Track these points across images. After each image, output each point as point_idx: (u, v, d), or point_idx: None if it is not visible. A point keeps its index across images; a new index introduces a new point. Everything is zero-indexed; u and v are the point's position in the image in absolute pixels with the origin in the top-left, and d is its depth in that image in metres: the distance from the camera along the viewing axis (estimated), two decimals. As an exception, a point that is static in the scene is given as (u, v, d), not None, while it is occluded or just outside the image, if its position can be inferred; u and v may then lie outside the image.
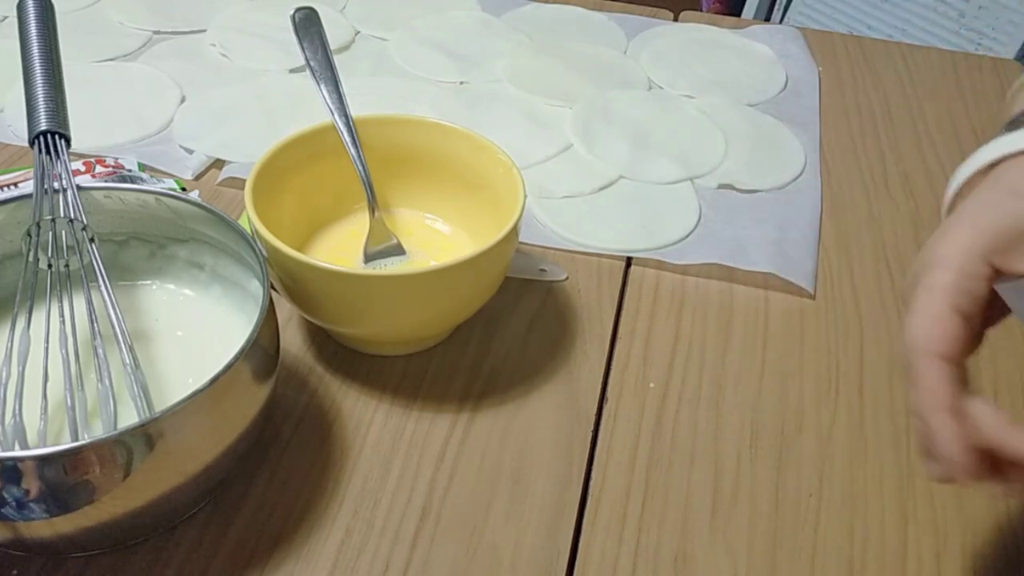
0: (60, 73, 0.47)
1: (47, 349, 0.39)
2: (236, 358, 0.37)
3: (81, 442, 0.33)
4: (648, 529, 0.45)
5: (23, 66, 0.47)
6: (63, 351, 0.39)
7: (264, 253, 0.43)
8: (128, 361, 0.39)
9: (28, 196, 0.43)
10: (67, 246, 0.43)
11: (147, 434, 0.34)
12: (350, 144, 0.53)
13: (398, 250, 0.54)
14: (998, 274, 0.35)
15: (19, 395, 0.37)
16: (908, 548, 0.45)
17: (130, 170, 0.62)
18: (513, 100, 0.77)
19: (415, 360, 0.52)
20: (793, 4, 1.80)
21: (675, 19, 0.95)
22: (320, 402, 0.49)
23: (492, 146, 0.53)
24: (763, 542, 0.44)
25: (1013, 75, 0.88)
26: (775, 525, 0.45)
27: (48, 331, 0.40)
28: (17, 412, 0.37)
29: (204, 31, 0.83)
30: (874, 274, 0.62)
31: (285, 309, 0.54)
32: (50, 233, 0.43)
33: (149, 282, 0.49)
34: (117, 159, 0.63)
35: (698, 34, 0.91)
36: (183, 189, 0.61)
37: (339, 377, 0.51)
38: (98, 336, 0.40)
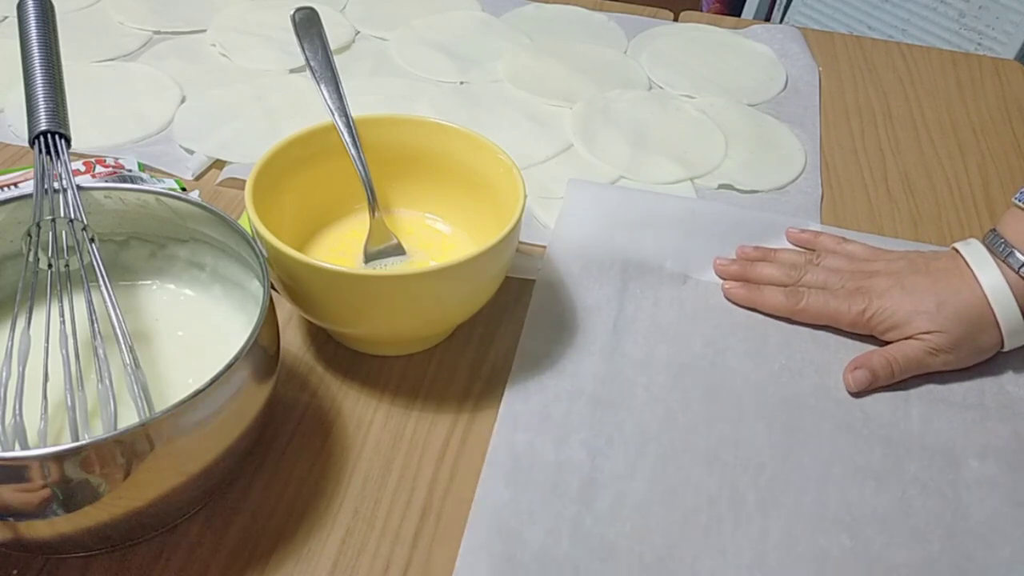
0: (60, 73, 0.47)
1: (47, 349, 0.39)
2: (236, 358, 0.37)
3: (81, 442, 0.33)
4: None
5: (23, 66, 0.47)
6: (63, 351, 0.39)
7: (264, 253, 0.43)
8: (128, 361, 0.39)
9: (28, 196, 0.43)
10: (67, 246, 0.43)
11: (147, 434, 0.34)
12: (350, 144, 0.53)
13: (398, 250, 0.54)
14: None
15: (19, 395, 0.37)
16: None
17: (130, 170, 0.62)
18: (513, 100, 0.77)
19: (415, 360, 0.52)
20: (793, 4, 1.80)
21: (675, 19, 0.95)
22: (320, 402, 0.49)
23: (492, 146, 0.53)
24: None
25: (1013, 75, 0.88)
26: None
27: (48, 331, 0.40)
28: (17, 412, 0.37)
29: (204, 31, 0.83)
30: (874, 274, 0.62)
31: (285, 309, 0.54)
32: (50, 233, 0.43)
33: (149, 282, 0.49)
34: (117, 159, 0.63)
35: (698, 34, 0.91)
36: (183, 189, 0.61)
37: (339, 377, 0.51)
38: (98, 336, 0.40)
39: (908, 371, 0.52)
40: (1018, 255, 0.51)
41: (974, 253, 0.53)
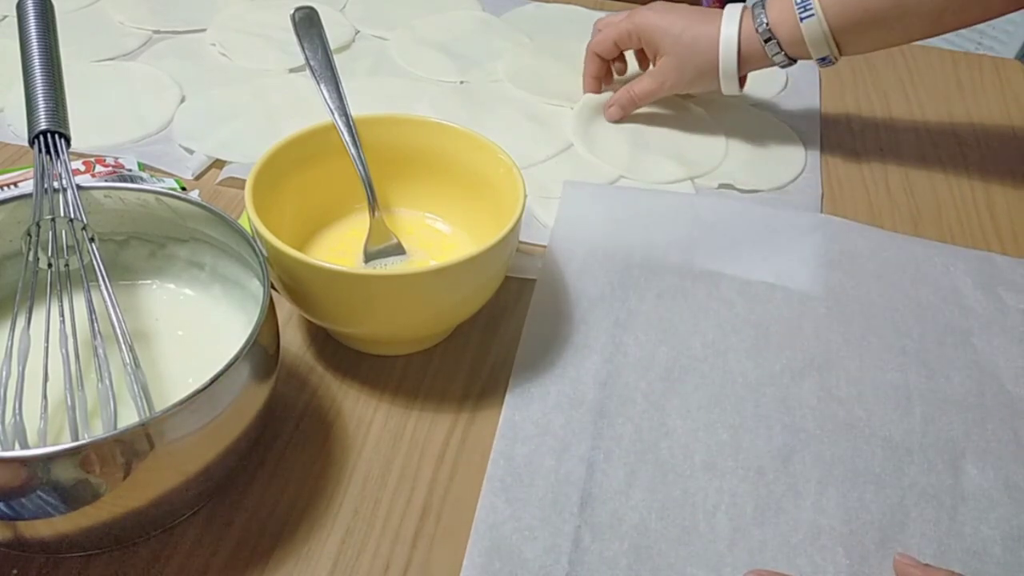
0: (60, 73, 0.47)
1: (47, 349, 0.39)
2: (236, 358, 0.37)
3: (81, 442, 0.33)
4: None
5: (23, 66, 0.47)
6: (63, 351, 0.39)
7: (264, 253, 0.43)
8: (128, 361, 0.39)
9: (28, 196, 0.43)
10: (67, 246, 0.43)
11: (147, 434, 0.34)
12: (350, 144, 0.53)
13: (398, 250, 0.54)
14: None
15: (19, 394, 0.37)
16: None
17: (130, 170, 0.62)
18: (513, 100, 0.77)
19: (415, 360, 0.52)
20: (793, 4, 1.79)
21: (675, 19, 0.95)
22: (320, 402, 0.49)
23: (492, 146, 0.53)
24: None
25: (1013, 75, 0.88)
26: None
27: (48, 331, 0.40)
28: (17, 411, 0.37)
29: (204, 31, 0.83)
30: (874, 274, 0.62)
31: (285, 309, 0.54)
32: (50, 233, 0.43)
33: (149, 282, 0.49)
34: (117, 159, 0.63)
35: (698, 34, 0.90)
36: (183, 189, 0.61)
37: (339, 377, 0.51)
38: (98, 336, 0.40)
39: (646, 98, 0.71)
40: (764, 19, 0.64)
41: (732, 9, 0.66)
